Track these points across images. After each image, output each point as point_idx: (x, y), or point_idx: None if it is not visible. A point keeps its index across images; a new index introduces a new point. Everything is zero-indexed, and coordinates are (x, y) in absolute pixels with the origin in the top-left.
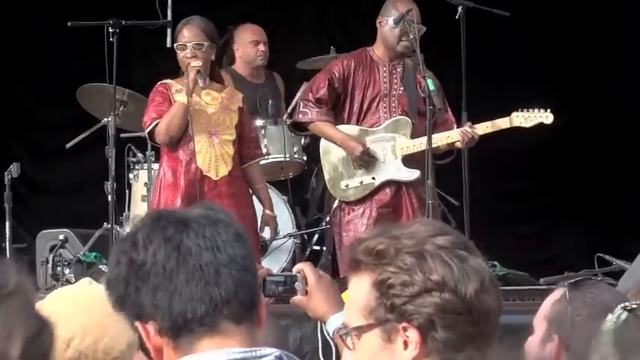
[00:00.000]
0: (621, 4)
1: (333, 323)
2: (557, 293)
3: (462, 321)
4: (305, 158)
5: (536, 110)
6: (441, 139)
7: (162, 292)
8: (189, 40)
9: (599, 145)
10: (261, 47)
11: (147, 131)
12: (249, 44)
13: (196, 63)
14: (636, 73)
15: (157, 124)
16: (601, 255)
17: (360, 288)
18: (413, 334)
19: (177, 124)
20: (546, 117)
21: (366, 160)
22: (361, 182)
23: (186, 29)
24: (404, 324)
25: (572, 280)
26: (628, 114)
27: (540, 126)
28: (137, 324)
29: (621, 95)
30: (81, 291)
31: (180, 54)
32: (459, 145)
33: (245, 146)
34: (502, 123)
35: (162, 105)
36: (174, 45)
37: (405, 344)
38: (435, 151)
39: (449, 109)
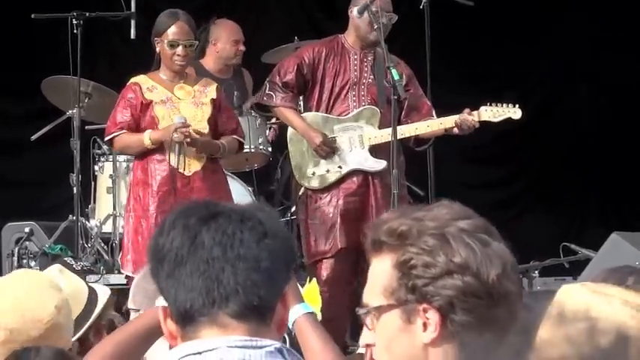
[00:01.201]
0: None
1: (291, 315)
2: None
3: (482, 305)
4: (270, 149)
5: (504, 105)
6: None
7: (172, 280)
8: (180, 37)
9: (566, 134)
10: (241, 47)
11: (106, 139)
12: (229, 42)
13: (179, 138)
14: (603, 61)
15: (116, 135)
16: (567, 244)
17: (382, 269)
18: (433, 316)
19: (131, 153)
20: (514, 112)
21: (326, 151)
22: (327, 170)
23: (176, 26)
24: (424, 305)
25: None
26: (596, 103)
27: (508, 121)
28: (160, 307)
29: (589, 84)
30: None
31: (168, 50)
32: (455, 131)
33: (220, 131)
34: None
35: (126, 112)
36: (159, 38)
37: (425, 326)
38: (415, 137)
39: (424, 97)
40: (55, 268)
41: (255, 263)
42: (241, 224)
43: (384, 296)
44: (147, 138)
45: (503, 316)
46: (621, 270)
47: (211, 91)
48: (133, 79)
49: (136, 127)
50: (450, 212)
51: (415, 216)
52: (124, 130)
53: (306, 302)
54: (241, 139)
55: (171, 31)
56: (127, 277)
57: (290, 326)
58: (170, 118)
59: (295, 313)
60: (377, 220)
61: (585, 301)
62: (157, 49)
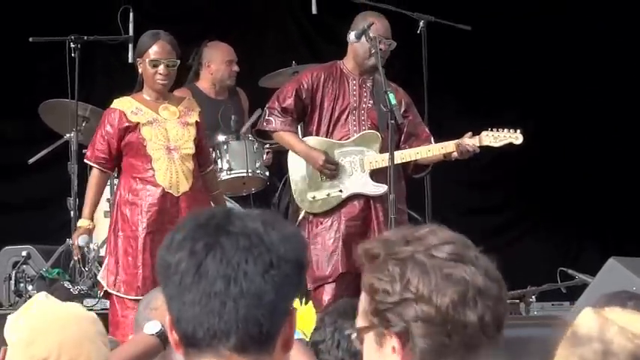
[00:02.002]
0: (578, 18)
1: None
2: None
3: (437, 332)
4: (267, 173)
5: (505, 130)
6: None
7: (177, 301)
8: (162, 56)
9: (563, 159)
10: (235, 67)
11: (85, 160)
12: (223, 63)
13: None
14: (598, 85)
15: (91, 165)
16: (564, 269)
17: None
18: (395, 342)
19: None
20: (516, 137)
21: (331, 169)
22: (328, 194)
23: (157, 45)
24: (385, 331)
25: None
26: (592, 127)
27: (510, 146)
28: (167, 312)
29: (584, 109)
30: (57, 308)
31: (150, 70)
32: (455, 155)
33: (200, 157)
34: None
35: (103, 144)
36: (141, 59)
37: (393, 349)
38: (414, 164)
39: (423, 124)
40: (42, 295)
41: (257, 300)
42: (247, 252)
43: (362, 318)
44: (80, 223)
45: (461, 345)
46: (620, 295)
47: (195, 114)
48: (115, 104)
49: (110, 159)
50: (435, 238)
51: (392, 239)
52: (98, 165)
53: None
54: (213, 162)
55: (153, 51)
56: (108, 295)
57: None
58: (158, 138)
59: None
60: (368, 240)
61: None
62: (140, 70)
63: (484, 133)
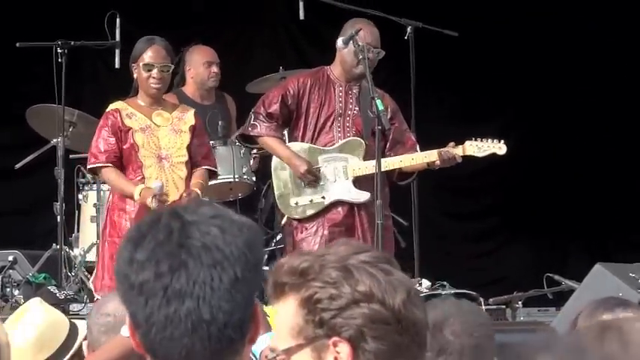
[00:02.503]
0: (563, 23)
1: (258, 344)
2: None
3: (391, 331)
4: (254, 179)
5: (489, 140)
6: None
7: (141, 321)
8: (156, 61)
9: (548, 165)
10: (214, 69)
11: (90, 166)
12: (201, 65)
13: (155, 206)
14: (581, 91)
15: (101, 167)
16: (550, 275)
17: (287, 310)
18: (343, 348)
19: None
20: (499, 148)
21: (309, 179)
22: (311, 200)
23: (152, 50)
24: (334, 338)
25: None
26: (578, 132)
27: (493, 156)
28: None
29: (571, 114)
30: (56, 313)
31: (144, 74)
32: (438, 163)
33: (193, 158)
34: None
35: (111, 139)
36: (136, 63)
37: (335, 359)
38: (398, 171)
39: (409, 131)
40: (36, 301)
41: (229, 316)
42: (212, 269)
43: (292, 337)
44: (137, 194)
45: (414, 342)
46: (608, 301)
47: (189, 117)
48: (112, 106)
49: (120, 154)
50: (349, 248)
51: (314, 253)
52: (110, 164)
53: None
54: (212, 168)
55: (147, 55)
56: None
57: (257, 356)
58: (150, 146)
59: (263, 343)
60: (276, 264)
61: None
62: (135, 75)
63: (468, 142)
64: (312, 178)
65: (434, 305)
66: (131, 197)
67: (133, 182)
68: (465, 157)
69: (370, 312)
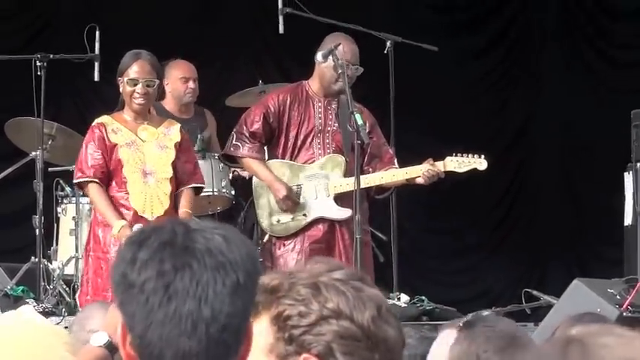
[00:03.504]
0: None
1: None
2: (450, 335)
3: (360, 347)
4: (233, 192)
5: (470, 155)
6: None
7: (139, 320)
8: (141, 75)
9: (526, 180)
10: (191, 84)
11: (76, 181)
12: (178, 80)
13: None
14: (567, 109)
15: (88, 181)
16: (528, 290)
17: (259, 329)
18: None
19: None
20: (480, 163)
21: (288, 205)
22: (292, 218)
23: (137, 64)
24: (304, 355)
25: (462, 320)
26: (556, 148)
27: (474, 171)
28: (121, 322)
29: (551, 129)
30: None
31: (128, 89)
32: (419, 180)
33: (178, 176)
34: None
35: (97, 154)
36: (122, 78)
37: None
38: (377, 186)
39: (387, 145)
40: (29, 308)
41: (226, 321)
42: (215, 272)
43: (265, 355)
44: (116, 229)
45: (385, 359)
46: (584, 317)
47: (175, 133)
48: (97, 120)
49: (107, 172)
50: (322, 266)
51: (286, 272)
52: (96, 179)
53: None
54: (198, 185)
55: (132, 70)
56: None
57: None
58: (135, 162)
59: None
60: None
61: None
62: (121, 89)
63: (448, 158)
64: (290, 204)
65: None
66: (109, 225)
67: (116, 209)
68: (446, 173)
69: (339, 328)
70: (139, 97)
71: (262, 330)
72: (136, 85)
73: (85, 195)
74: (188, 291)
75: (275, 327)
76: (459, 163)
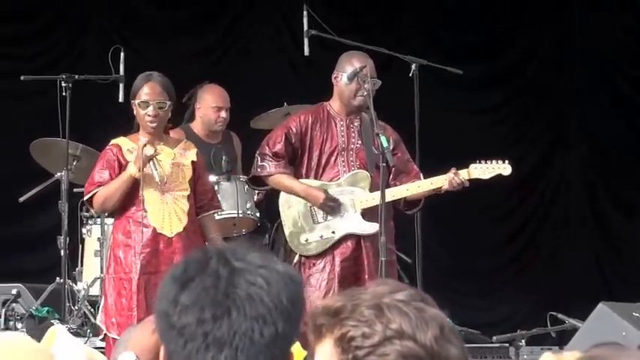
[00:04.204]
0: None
1: None
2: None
3: None
4: (258, 214)
5: (494, 162)
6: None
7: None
8: (152, 98)
9: (551, 204)
10: (223, 114)
11: (85, 198)
12: (210, 109)
13: (150, 151)
14: (592, 123)
15: (95, 193)
16: (553, 313)
17: (324, 352)
18: None
19: (115, 200)
20: (504, 168)
21: (331, 206)
22: (321, 236)
23: (148, 86)
24: None
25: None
26: (586, 164)
27: (499, 177)
28: (163, 352)
29: (580, 145)
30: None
31: (141, 111)
32: (445, 187)
33: (199, 199)
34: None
35: (104, 172)
36: (134, 100)
37: None
38: (404, 200)
39: (412, 161)
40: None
41: None
42: (254, 322)
43: None
44: (131, 167)
45: None
46: (609, 347)
47: (191, 154)
48: (113, 141)
49: None
50: (385, 288)
51: (349, 294)
52: (101, 188)
53: None
54: (216, 207)
55: (143, 92)
56: (105, 337)
57: None
58: (152, 179)
59: None
60: (313, 307)
61: None
62: (135, 112)
63: (472, 165)
64: (333, 204)
65: None
66: (130, 179)
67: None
68: (471, 181)
69: (402, 348)
70: (151, 119)
71: (327, 352)
72: (147, 107)
73: (102, 212)
74: (226, 340)
75: (339, 349)
76: (484, 170)
